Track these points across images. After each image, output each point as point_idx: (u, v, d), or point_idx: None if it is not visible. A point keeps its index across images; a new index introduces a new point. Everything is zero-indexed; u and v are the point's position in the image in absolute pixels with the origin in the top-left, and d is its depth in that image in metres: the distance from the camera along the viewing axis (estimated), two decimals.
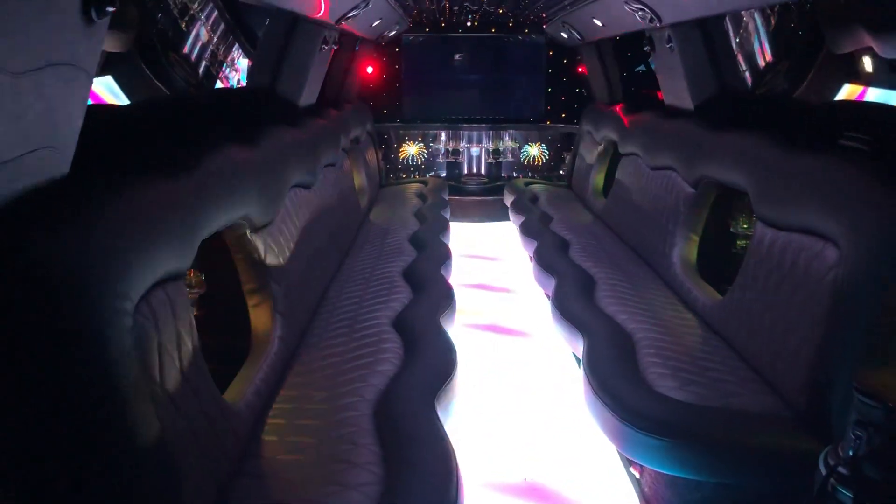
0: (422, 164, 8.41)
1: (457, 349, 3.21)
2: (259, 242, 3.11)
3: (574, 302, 3.87)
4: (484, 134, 8.38)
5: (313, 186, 4.26)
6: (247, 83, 5.93)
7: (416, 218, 6.04)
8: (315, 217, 4.11)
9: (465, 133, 8.36)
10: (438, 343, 3.25)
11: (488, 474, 3.21)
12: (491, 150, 8.39)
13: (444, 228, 5.67)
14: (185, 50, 6.88)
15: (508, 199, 7.22)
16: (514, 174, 8.45)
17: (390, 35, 7.56)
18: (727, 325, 3.38)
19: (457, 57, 8.23)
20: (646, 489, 2.89)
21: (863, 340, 2.33)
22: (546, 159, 8.46)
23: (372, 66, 8.03)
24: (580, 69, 8.09)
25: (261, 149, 3.31)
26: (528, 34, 8.12)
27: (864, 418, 2.02)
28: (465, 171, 8.40)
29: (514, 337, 4.84)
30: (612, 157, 6.56)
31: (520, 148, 8.45)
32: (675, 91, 4.99)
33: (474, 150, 8.40)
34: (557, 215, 6.18)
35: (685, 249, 4.20)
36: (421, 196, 7.09)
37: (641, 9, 4.46)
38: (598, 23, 5.82)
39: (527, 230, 5.69)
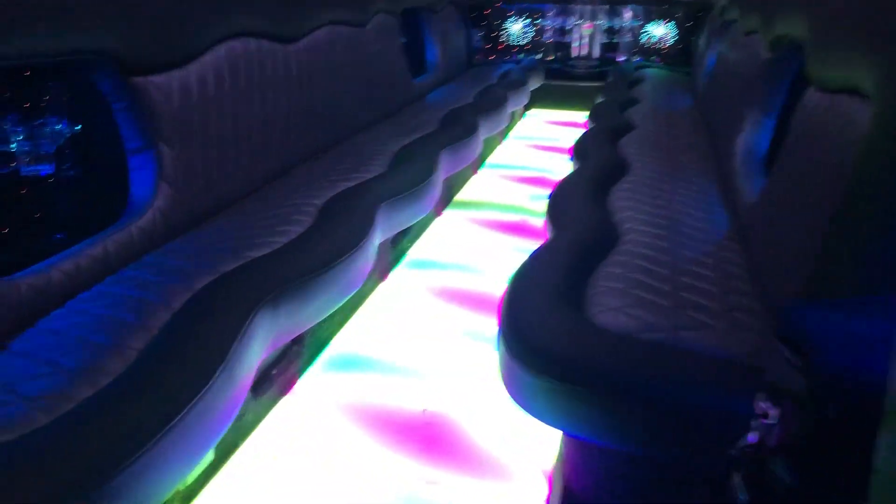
0: (526, 43, 7.44)
1: (365, 240, 2.51)
2: (145, 89, 2.52)
3: (576, 193, 2.99)
4: (599, 10, 7.23)
5: (297, 42, 3.59)
6: None
7: (474, 98, 5.22)
8: (288, 79, 3.46)
9: (578, 8, 7.25)
10: (339, 231, 2.56)
11: (379, 402, 2.56)
12: (606, 28, 7.25)
13: (493, 109, 4.83)
14: None
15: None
16: (636, 58, 7.27)
17: None
18: (752, 228, 2.42)
19: None
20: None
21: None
22: (674, 41, 7.18)
23: None
24: None
25: None
26: None
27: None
28: (575, 53, 7.34)
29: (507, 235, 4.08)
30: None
31: (641, 27, 7.22)
32: None
33: (587, 29, 7.28)
34: (647, 101, 5.11)
35: (752, 134, 3.14)
36: (503, 76, 6.21)
37: None
38: None
39: (594, 115, 4.72)
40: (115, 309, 1.97)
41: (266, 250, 2.34)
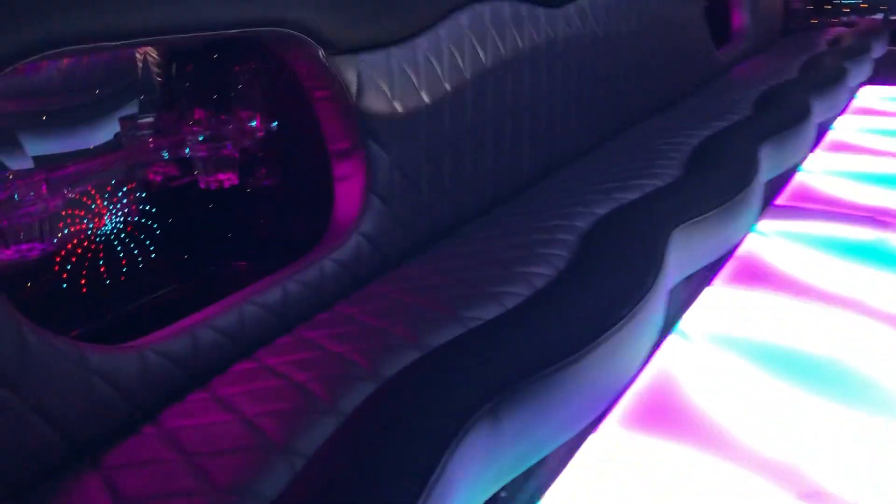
0: (861, 2, 5.90)
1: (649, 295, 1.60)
2: (350, 72, 1.86)
3: None
4: None
5: (566, 6, 2.77)
6: None
7: (799, 71, 4.01)
8: (553, 54, 2.65)
9: None
10: (608, 277, 1.68)
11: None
12: None
13: (829, 84, 3.60)
14: None
15: None
16: None
17: None
18: None
19: None
20: None
21: None
22: None
23: None
24: None
25: None
26: None
27: None
28: None
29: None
30: None
31: None
32: None
33: None
34: None
35: None
36: (833, 43, 4.85)
37: None
38: None
39: None
40: (263, 403, 1.31)
41: (496, 310, 1.55)
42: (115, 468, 1.19)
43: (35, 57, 1.24)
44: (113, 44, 1.39)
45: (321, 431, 1.22)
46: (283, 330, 1.62)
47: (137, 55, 2.00)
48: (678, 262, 1.95)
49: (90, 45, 1.35)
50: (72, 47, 1.30)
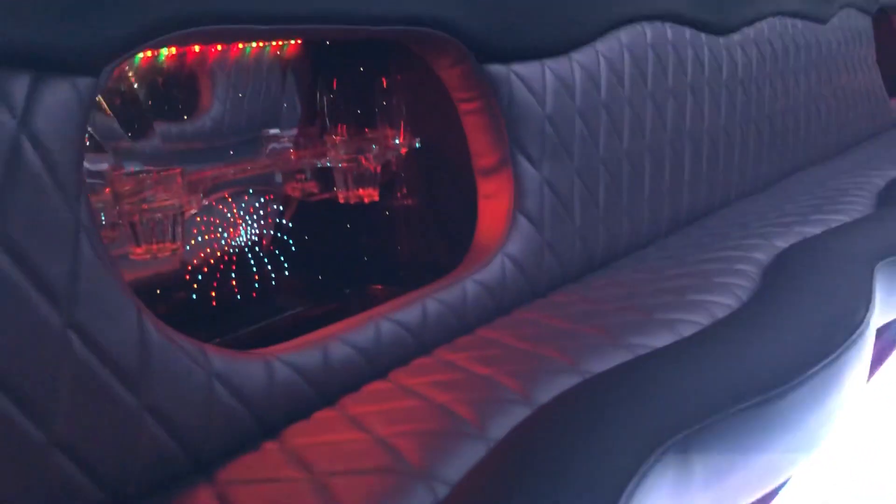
0: None
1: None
2: (506, 81, 1.71)
3: None
4: None
5: (732, 34, 2.56)
6: None
7: None
8: (716, 82, 2.43)
9: None
10: (806, 310, 1.40)
11: None
12: None
13: None
14: None
15: None
16: None
17: None
18: None
19: None
20: None
21: None
22: None
23: None
24: None
25: None
26: None
27: None
28: None
29: None
30: None
31: None
32: None
33: None
34: None
35: None
36: None
37: None
38: None
39: None
40: (400, 424, 1.12)
41: (669, 338, 1.31)
42: (230, 483, 1.03)
43: (178, 33, 1.15)
44: (255, 27, 1.30)
45: (467, 457, 1.01)
46: (420, 351, 1.44)
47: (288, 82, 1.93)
48: (883, 301, 1.64)
49: (232, 27, 1.25)
50: (213, 27, 1.20)
